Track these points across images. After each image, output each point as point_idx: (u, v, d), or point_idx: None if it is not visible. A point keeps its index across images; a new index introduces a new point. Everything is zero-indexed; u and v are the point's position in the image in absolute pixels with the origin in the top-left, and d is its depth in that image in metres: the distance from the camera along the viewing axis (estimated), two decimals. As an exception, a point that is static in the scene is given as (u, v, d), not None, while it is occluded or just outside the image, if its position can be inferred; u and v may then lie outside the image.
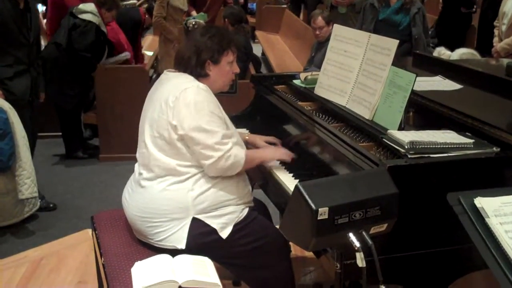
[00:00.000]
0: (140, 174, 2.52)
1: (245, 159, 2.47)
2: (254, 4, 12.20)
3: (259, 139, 2.89)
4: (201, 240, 2.40)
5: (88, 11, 5.24)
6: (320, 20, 5.41)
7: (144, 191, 2.47)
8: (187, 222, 2.40)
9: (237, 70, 2.61)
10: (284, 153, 2.66)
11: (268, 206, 2.92)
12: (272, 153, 2.67)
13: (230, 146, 2.41)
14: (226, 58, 2.52)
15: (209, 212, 2.42)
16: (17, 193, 4.04)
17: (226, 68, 2.54)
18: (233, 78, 2.63)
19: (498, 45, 5.11)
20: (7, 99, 4.09)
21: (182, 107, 2.36)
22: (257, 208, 2.68)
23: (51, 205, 4.54)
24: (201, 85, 2.43)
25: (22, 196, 4.06)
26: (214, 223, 2.42)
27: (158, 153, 2.43)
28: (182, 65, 2.51)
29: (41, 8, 6.61)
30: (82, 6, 5.28)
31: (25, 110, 4.26)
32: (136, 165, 2.60)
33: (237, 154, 2.43)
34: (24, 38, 4.21)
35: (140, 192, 2.49)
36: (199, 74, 2.49)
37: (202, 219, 2.41)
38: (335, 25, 2.97)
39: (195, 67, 2.48)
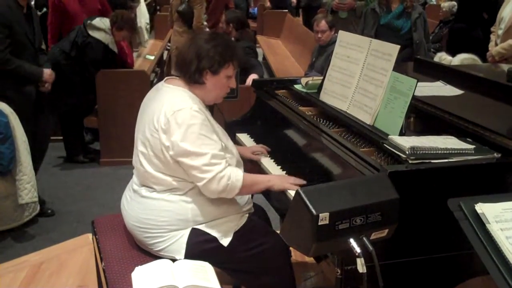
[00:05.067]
0: (138, 185, 2.51)
1: (244, 181, 2.38)
2: (256, 8, 12.23)
3: (245, 150, 2.85)
4: (201, 247, 2.39)
5: (101, 29, 5.27)
6: (323, 24, 5.42)
7: (143, 201, 2.45)
8: (186, 233, 2.40)
9: (234, 85, 2.54)
10: (294, 181, 2.50)
11: (268, 211, 2.92)
12: (281, 182, 2.49)
13: (222, 167, 2.33)
14: (225, 71, 2.45)
15: (208, 222, 2.42)
16: (17, 198, 4.04)
17: (223, 80, 2.47)
18: (228, 91, 2.56)
19: (493, 49, 5.12)
20: (23, 102, 4.17)
21: (172, 131, 2.30)
22: (256, 212, 2.67)
23: (49, 211, 4.54)
24: (194, 106, 2.35)
25: (22, 201, 4.06)
26: (214, 232, 2.41)
27: (153, 171, 2.39)
28: (183, 68, 2.46)
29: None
30: (97, 21, 5.30)
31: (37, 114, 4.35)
32: (134, 171, 2.58)
33: (232, 175, 2.35)
34: (30, 44, 4.24)
35: (138, 201, 2.47)
36: (196, 80, 2.43)
37: (202, 228, 2.41)
38: (340, 31, 2.97)
39: (193, 73, 2.42)
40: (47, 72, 4.38)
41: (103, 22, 5.34)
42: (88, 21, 5.29)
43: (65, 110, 5.47)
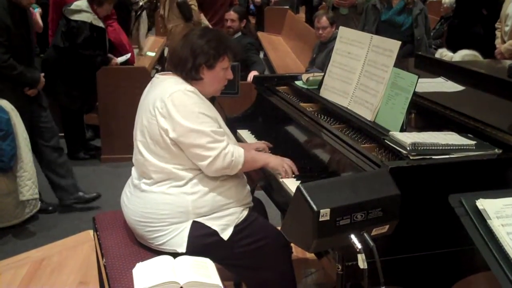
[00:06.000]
0: (138, 178, 2.51)
1: (245, 157, 2.46)
2: (256, 5, 12.20)
3: (247, 147, 2.84)
4: (202, 241, 2.39)
5: (80, 10, 5.17)
6: (324, 20, 5.43)
7: (143, 195, 2.46)
8: (187, 226, 2.40)
9: (231, 76, 2.57)
10: (289, 162, 2.59)
11: (269, 207, 2.92)
12: (279, 162, 2.59)
13: (225, 143, 2.39)
14: (221, 64, 2.48)
15: (209, 215, 2.42)
16: (18, 195, 4.05)
17: (220, 73, 2.50)
18: (225, 83, 2.59)
19: (502, 46, 5.11)
20: (20, 100, 4.18)
21: (171, 112, 2.33)
22: (254, 206, 2.67)
23: (50, 208, 4.54)
24: (188, 87, 2.41)
25: (23, 198, 4.06)
26: (214, 225, 2.41)
27: (153, 159, 2.41)
28: (178, 67, 2.48)
29: (36, 9, 6.61)
30: (74, 5, 5.20)
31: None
32: (133, 168, 2.59)
33: (235, 151, 2.42)
34: (26, 45, 4.24)
35: (139, 196, 2.48)
36: (193, 77, 2.46)
37: (202, 221, 2.41)
38: (340, 27, 2.96)
39: (190, 70, 2.45)
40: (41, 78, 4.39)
41: (79, 3, 5.23)
42: (66, 8, 5.22)
43: (80, 103, 5.48)
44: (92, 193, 4.65)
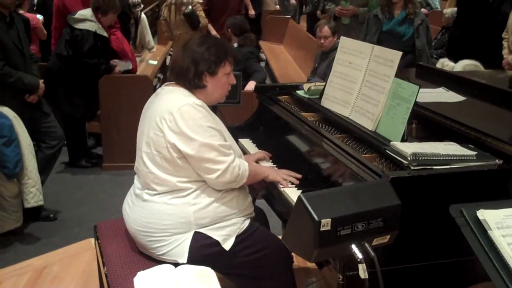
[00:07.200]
0: (140, 188, 2.52)
1: (249, 171, 2.48)
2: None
3: (249, 159, 2.86)
4: (204, 251, 2.39)
5: (84, 19, 5.19)
6: (326, 30, 5.44)
7: (145, 205, 2.46)
8: (189, 237, 2.40)
9: (234, 81, 2.58)
10: (289, 173, 2.62)
11: (270, 216, 2.92)
12: (276, 174, 2.62)
13: (233, 157, 2.41)
14: (223, 70, 2.49)
15: (211, 225, 2.42)
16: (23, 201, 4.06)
17: (223, 79, 2.51)
18: (229, 89, 2.60)
19: (509, 56, 5.10)
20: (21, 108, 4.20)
21: (180, 126, 2.33)
22: (256, 215, 2.68)
23: (51, 216, 4.55)
24: (196, 101, 2.41)
25: (27, 205, 4.07)
26: (216, 235, 2.41)
27: (157, 171, 2.41)
28: (181, 76, 2.48)
29: (40, 17, 6.65)
30: (78, 14, 5.23)
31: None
32: (136, 177, 2.60)
33: (241, 165, 2.44)
34: (19, 51, 4.26)
35: (141, 205, 2.48)
36: (197, 85, 2.46)
37: (204, 232, 2.41)
38: (341, 37, 2.97)
39: (193, 78, 2.45)
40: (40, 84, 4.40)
41: (84, 12, 5.25)
42: (70, 17, 5.24)
43: (82, 112, 5.50)
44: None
